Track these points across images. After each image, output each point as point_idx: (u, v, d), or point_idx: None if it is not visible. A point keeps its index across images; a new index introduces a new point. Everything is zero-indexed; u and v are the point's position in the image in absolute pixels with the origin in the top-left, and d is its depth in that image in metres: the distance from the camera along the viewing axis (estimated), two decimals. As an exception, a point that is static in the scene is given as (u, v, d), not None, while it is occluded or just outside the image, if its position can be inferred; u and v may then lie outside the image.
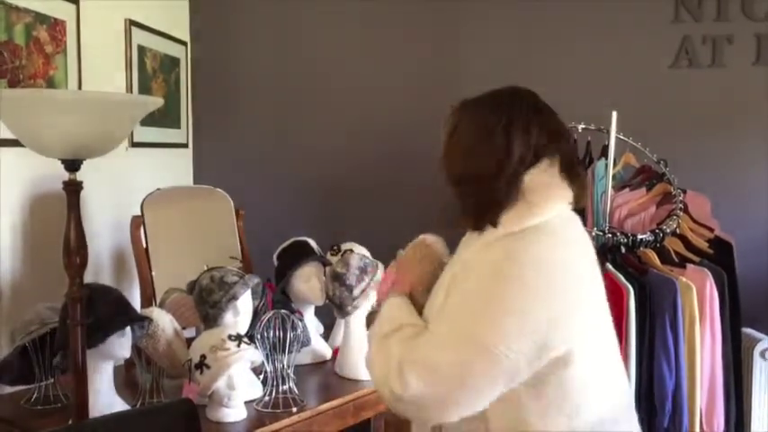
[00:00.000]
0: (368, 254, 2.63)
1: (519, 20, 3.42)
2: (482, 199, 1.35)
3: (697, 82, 3.34)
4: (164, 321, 2.06)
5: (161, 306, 2.50)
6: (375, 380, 1.34)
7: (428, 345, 1.27)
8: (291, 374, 2.12)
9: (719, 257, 2.65)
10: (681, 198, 2.80)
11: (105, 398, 1.94)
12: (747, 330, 2.84)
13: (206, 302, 2.16)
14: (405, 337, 1.32)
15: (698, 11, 3.32)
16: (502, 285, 1.25)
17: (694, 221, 2.82)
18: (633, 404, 1.51)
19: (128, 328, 1.93)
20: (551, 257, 1.29)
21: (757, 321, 2.84)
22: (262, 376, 2.19)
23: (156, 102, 1.51)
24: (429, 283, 1.45)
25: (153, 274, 2.56)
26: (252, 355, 2.00)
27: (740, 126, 3.31)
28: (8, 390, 2.20)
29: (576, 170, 1.42)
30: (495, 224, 1.33)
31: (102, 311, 1.82)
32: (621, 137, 2.87)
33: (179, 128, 3.46)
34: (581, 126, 3.09)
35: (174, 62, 3.38)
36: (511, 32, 3.43)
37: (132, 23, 2.96)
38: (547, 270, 1.27)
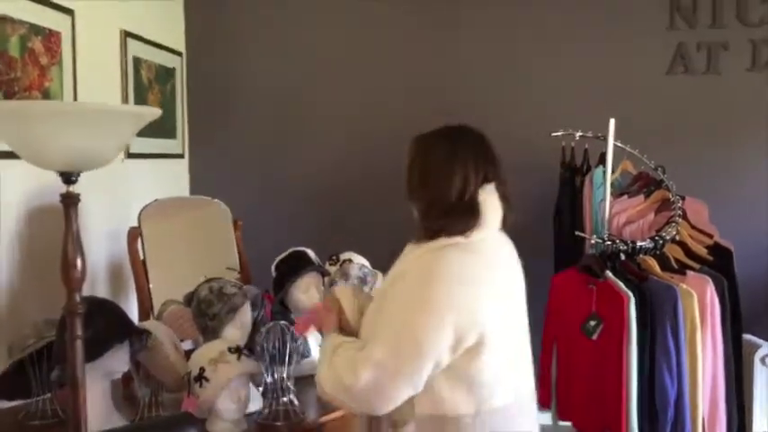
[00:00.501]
0: (367, 263, 2.62)
1: (515, 29, 3.43)
2: (440, 217, 1.58)
3: (693, 88, 3.35)
4: (162, 334, 2.04)
5: (158, 318, 2.48)
6: (328, 385, 1.56)
7: (373, 343, 1.52)
8: (291, 386, 2.10)
9: (719, 264, 2.65)
10: (679, 204, 2.80)
11: (103, 413, 1.92)
12: (747, 336, 2.83)
13: (205, 315, 2.14)
14: (348, 347, 1.57)
15: (693, 18, 3.34)
16: (429, 289, 1.50)
17: (693, 228, 2.81)
18: (535, 395, 1.73)
19: (126, 342, 1.90)
20: (470, 270, 1.54)
21: (756, 327, 2.84)
22: (261, 388, 2.16)
23: (153, 113, 1.50)
24: (353, 322, 1.68)
25: (151, 286, 2.54)
26: (252, 367, 1.98)
27: (736, 132, 3.33)
28: (5, 404, 2.17)
29: (508, 197, 1.68)
30: (437, 237, 1.57)
31: (99, 325, 1.80)
32: (619, 144, 2.87)
33: (175, 138, 3.44)
34: (578, 134, 3.09)
35: (170, 73, 3.36)
36: (508, 41, 3.44)
37: (127, 34, 2.95)
38: (462, 278, 1.52)
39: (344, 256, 2.68)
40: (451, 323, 1.48)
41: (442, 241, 1.56)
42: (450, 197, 1.59)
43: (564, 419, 2.65)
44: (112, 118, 1.39)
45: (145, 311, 2.53)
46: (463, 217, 1.57)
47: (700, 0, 3.32)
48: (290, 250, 2.69)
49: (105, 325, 1.83)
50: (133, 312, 2.55)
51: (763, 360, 2.91)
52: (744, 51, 3.31)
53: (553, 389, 2.67)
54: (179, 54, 3.47)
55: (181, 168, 3.54)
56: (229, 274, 2.76)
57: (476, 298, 1.52)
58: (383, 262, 2.79)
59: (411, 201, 1.68)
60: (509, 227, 1.69)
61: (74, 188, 1.55)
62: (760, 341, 2.92)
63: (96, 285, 2.70)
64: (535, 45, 3.42)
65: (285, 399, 2.11)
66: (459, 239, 1.55)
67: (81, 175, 1.54)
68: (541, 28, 3.41)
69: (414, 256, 1.59)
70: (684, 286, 2.43)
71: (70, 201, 1.52)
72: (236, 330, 2.15)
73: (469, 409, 1.54)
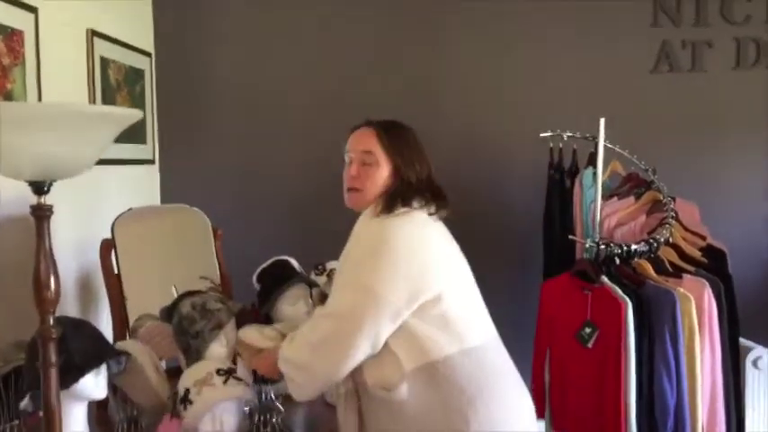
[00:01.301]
0: (354, 273, 2.49)
1: (498, 27, 3.34)
2: (408, 193, 1.78)
3: (678, 87, 3.30)
4: (142, 355, 1.89)
5: (133, 335, 2.33)
6: (291, 354, 1.76)
7: (331, 297, 1.74)
8: (280, 406, 1.97)
9: (713, 266, 2.60)
10: (672, 206, 2.74)
11: (79, 442, 1.77)
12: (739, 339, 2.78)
13: (187, 332, 1.99)
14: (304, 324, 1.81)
15: (677, 15, 3.29)
16: (382, 245, 1.68)
17: (686, 229, 2.76)
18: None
19: (103, 366, 1.75)
20: (418, 230, 1.73)
21: (748, 330, 2.78)
22: (247, 408, 2.02)
23: (134, 114, 1.36)
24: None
25: (126, 301, 2.38)
26: (240, 392, 1.83)
27: (723, 130, 3.29)
28: (-33, 434, 2.00)
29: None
30: (394, 209, 1.74)
31: (74, 348, 1.65)
32: (609, 145, 2.80)
33: (144, 143, 3.28)
34: (567, 134, 3.02)
35: (139, 74, 3.20)
36: (491, 40, 3.35)
37: (94, 34, 2.78)
38: (412, 237, 1.71)
39: (330, 265, 2.56)
40: (405, 275, 1.64)
41: (398, 211, 1.74)
42: (426, 178, 1.85)
43: (559, 430, 2.56)
44: (91, 121, 1.25)
45: (120, 328, 2.37)
46: (437, 197, 1.81)
47: (683, -3, 3.27)
48: (273, 259, 2.55)
49: (81, 349, 1.67)
50: (107, 330, 2.38)
51: (755, 363, 2.86)
52: (728, 49, 3.28)
53: (546, 398, 2.60)
54: (148, 55, 3.31)
55: (151, 175, 3.38)
56: (202, 283, 2.61)
57: (427, 251, 1.71)
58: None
59: (391, 176, 1.83)
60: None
61: (45, 199, 1.40)
62: (752, 344, 2.87)
63: (64, 301, 2.53)
64: (519, 44, 3.34)
65: (274, 419, 1.98)
66: (412, 212, 1.75)
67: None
68: (525, 27, 3.33)
69: (369, 223, 1.75)
70: (682, 290, 2.37)
71: (42, 213, 1.37)
72: (221, 348, 2.01)
73: (453, 348, 1.67)
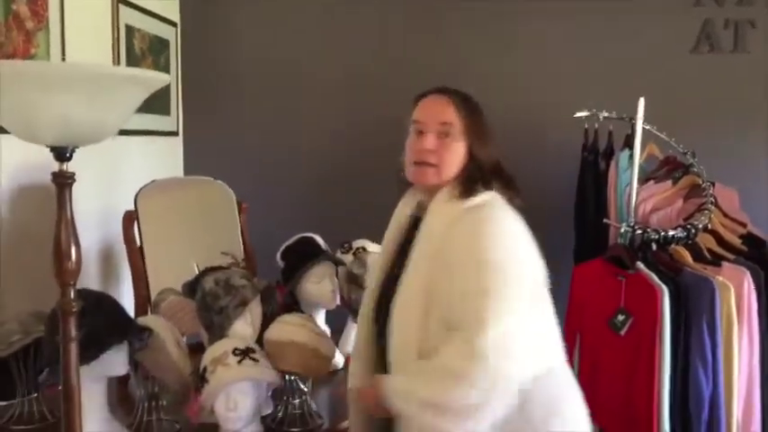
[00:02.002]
0: (381, 252, 2.42)
1: (535, 3, 3.22)
2: (486, 176, 1.62)
3: (719, 68, 3.18)
4: (164, 331, 1.83)
5: (155, 309, 2.28)
6: (436, 397, 1.43)
7: (479, 307, 1.43)
8: (305, 387, 1.91)
9: (753, 254, 2.50)
10: (710, 191, 2.64)
11: (98, 418, 1.72)
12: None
13: (211, 309, 1.93)
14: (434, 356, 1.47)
15: (720, -7, 3.16)
16: (510, 256, 1.51)
17: (725, 216, 2.66)
18: None
19: (125, 342, 1.70)
20: (522, 226, 1.58)
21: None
22: (270, 390, 1.96)
23: (162, 78, 1.29)
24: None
25: (148, 275, 2.33)
26: (256, 373, 1.76)
27: (765, 114, 3.16)
28: (-15, 406, 1.97)
29: None
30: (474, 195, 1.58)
31: (96, 324, 1.59)
32: (647, 126, 2.70)
33: (168, 114, 3.22)
34: (603, 114, 2.91)
35: (164, 44, 3.13)
36: (526, 17, 3.23)
37: (120, 1, 2.71)
38: (527, 239, 1.57)
39: (357, 243, 2.49)
40: (530, 288, 1.51)
41: (482, 197, 1.58)
42: (496, 163, 1.65)
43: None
44: (117, 83, 1.18)
45: (142, 303, 2.32)
46: (510, 184, 1.65)
47: (727, -25, 3.14)
48: (297, 236, 2.49)
49: (102, 323, 1.62)
50: (128, 304, 2.33)
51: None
52: (772, 29, 3.14)
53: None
54: (174, 24, 3.24)
55: (174, 147, 3.32)
56: (224, 259, 2.55)
57: (535, 251, 1.56)
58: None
59: (472, 154, 1.63)
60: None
61: (66, 166, 1.34)
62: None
63: (85, 274, 2.48)
64: (556, 21, 3.22)
65: (298, 401, 1.92)
66: (495, 197, 1.59)
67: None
68: (565, 3, 3.21)
69: (459, 213, 1.55)
70: (721, 278, 2.28)
71: (64, 181, 1.31)
72: (245, 326, 1.95)
73: (541, 367, 1.53)
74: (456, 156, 1.61)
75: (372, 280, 1.74)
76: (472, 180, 1.60)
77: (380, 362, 1.61)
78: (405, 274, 1.56)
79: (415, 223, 1.65)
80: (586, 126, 2.99)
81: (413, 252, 1.57)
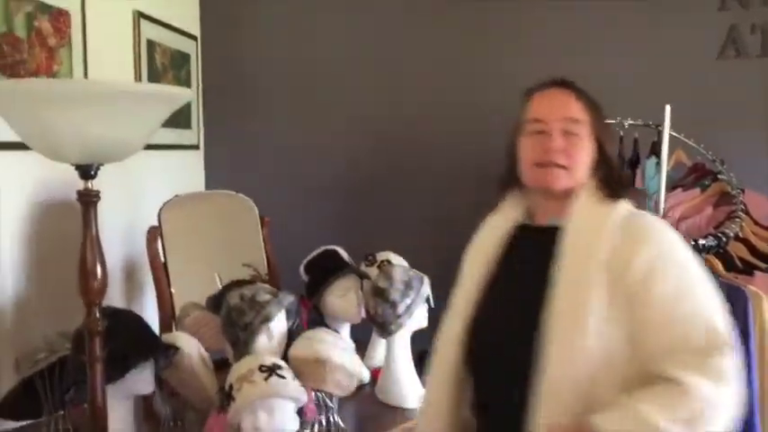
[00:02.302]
0: (406, 264, 2.40)
1: (557, 13, 3.19)
2: (620, 179, 1.52)
3: (745, 74, 3.12)
4: (190, 348, 1.81)
5: (179, 325, 2.26)
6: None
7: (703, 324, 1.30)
8: (333, 404, 1.88)
9: (786, 263, 2.45)
10: (740, 198, 2.59)
11: (125, 437, 1.71)
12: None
13: (236, 325, 1.91)
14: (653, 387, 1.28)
15: (746, -3, 3.10)
16: (688, 254, 1.37)
17: (756, 224, 2.60)
18: None
19: (151, 360, 1.68)
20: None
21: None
22: (297, 406, 1.93)
23: (186, 94, 1.28)
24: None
25: (172, 290, 2.32)
26: (282, 391, 1.72)
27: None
28: (12, 425, 1.95)
29: None
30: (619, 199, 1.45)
31: (121, 342, 1.57)
32: (674, 133, 2.65)
33: (189, 128, 3.21)
34: (628, 121, 2.87)
35: (185, 58, 3.13)
36: (550, 26, 3.19)
37: (141, 15, 2.71)
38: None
39: (381, 256, 2.46)
40: None
41: (627, 205, 1.45)
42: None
43: None
44: (141, 100, 1.17)
45: (166, 319, 2.30)
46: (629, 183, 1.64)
47: (752, -22, 3.08)
48: (321, 249, 2.47)
49: (128, 342, 1.60)
50: (152, 318, 2.32)
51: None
52: (802, 33, 3.08)
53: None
54: (194, 38, 3.24)
55: (196, 161, 3.31)
56: (246, 271, 2.54)
57: None
58: (419, 261, 2.60)
59: (602, 153, 1.49)
60: None
61: (92, 184, 1.33)
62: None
63: (110, 289, 2.48)
64: (581, 27, 3.18)
65: (324, 418, 1.89)
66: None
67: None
68: (588, 9, 3.17)
69: (619, 221, 1.40)
70: (753, 288, 2.23)
71: (89, 199, 1.30)
72: (269, 342, 1.92)
73: None
74: (587, 155, 1.46)
75: (461, 298, 1.53)
76: (612, 182, 1.47)
77: (461, 389, 1.48)
78: (558, 291, 1.34)
79: (519, 232, 1.52)
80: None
81: (561, 266, 1.37)
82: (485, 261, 1.52)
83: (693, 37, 3.12)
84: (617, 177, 1.49)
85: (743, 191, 2.66)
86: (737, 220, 2.48)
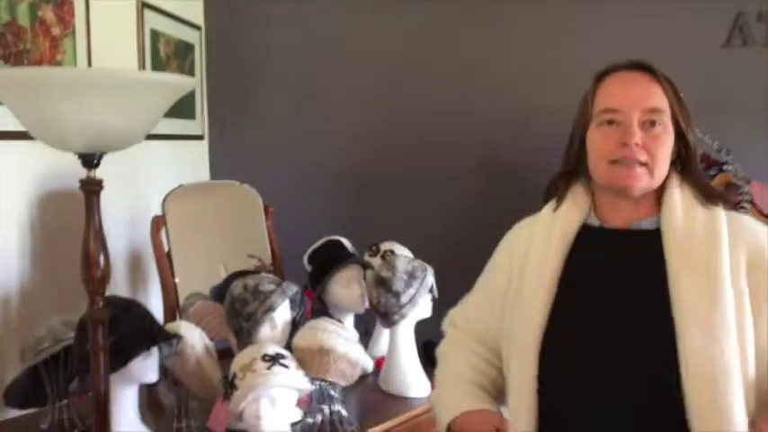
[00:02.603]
0: (410, 254, 2.39)
1: (561, 3, 3.17)
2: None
3: (753, 62, 3.09)
4: (194, 338, 1.81)
5: (183, 314, 2.27)
6: None
7: None
8: (337, 395, 1.88)
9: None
10: (746, 189, 2.58)
11: (129, 425, 1.71)
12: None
13: (240, 314, 1.91)
14: None
15: (754, -16, 3.08)
16: None
17: (762, 215, 2.59)
18: None
19: (154, 349, 1.68)
20: None
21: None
22: (300, 395, 1.94)
23: (189, 83, 1.28)
24: None
25: (177, 280, 2.32)
26: (285, 380, 1.72)
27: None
28: (16, 413, 1.96)
29: None
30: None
31: (124, 330, 1.58)
32: (679, 123, 2.63)
33: (194, 118, 3.21)
34: (633, 111, 2.85)
35: (189, 48, 3.13)
36: (552, 16, 3.18)
37: (145, 5, 2.71)
38: None
39: (385, 246, 2.46)
40: None
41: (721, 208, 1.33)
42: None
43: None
44: (144, 88, 1.16)
45: (170, 309, 2.31)
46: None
47: (760, -34, 3.06)
48: (324, 240, 2.47)
49: (131, 330, 1.60)
50: (156, 308, 2.32)
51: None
52: (809, 22, 3.05)
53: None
54: (198, 28, 3.23)
55: (200, 151, 3.31)
56: (251, 262, 2.54)
57: None
58: (423, 251, 2.60)
59: (688, 147, 1.35)
60: None
61: (94, 173, 1.33)
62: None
63: (114, 279, 2.48)
64: (583, 15, 3.16)
65: (327, 408, 1.89)
66: None
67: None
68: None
69: (725, 220, 1.30)
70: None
71: (92, 188, 1.30)
72: (272, 331, 1.93)
73: None
74: (669, 150, 1.31)
75: (532, 307, 1.34)
76: (703, 179, 1.36)
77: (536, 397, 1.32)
78: (686, 302, 1.22)
79: (586, 233, 1.38)
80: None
81: (678, 273, 1.24)
82: (553, 265, 1.35)
83: (699, 25, 3.09)
84: (701, 174, 1.36)
85: (749, 181, 2.65)
86: (743, 210, 2.46)
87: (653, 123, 1.30)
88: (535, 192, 3.19)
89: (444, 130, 3.16)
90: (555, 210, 1.43)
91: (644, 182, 1.30)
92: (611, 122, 1.33)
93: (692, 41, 3.10)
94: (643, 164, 1.29)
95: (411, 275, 2.12)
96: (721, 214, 1.30)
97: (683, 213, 1.30)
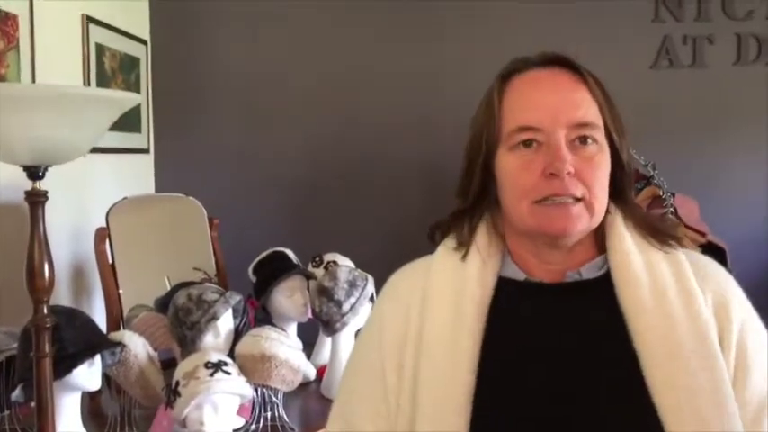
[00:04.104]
0: (352, 265, 2.47)
1: (495, 19, 3.30)
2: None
3: (678, 83, 3.27)
4: (137, 346, 1.85)
5: (127, 325, 2.29)
6: None
7: None
8: (278, 400, 1.94)
9: (713, 262, 2.57)
10: (671, 202, 2.72)
11: (72, 434, 1.74)
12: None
13: (183, 323, 1.95)
14: None
15: (678, 10, 3.26)
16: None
17: (685, 226, 2.74)
18: None
19: (97, 357, 1.72)
20: None
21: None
22: (242, 402, 1.99)
23: (133, 99, 1.33)
24: None
25: (120, 291, 2.34)
26: (228, 387, 1.76)
27: (723, 127, 3.26)
28: (-44, 425, 1.96)
29: None
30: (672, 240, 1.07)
31: (67, 338, 1.61)
32: (609, 139, 2.77)
33: (139, 132, 3.23)
34: (566, 129, 2.98)
35: (134, 62, 3.15)
36: (490, 33, 3.31)
37: (90, 20, 2.73)
38: None
39: (328, 257, 2.53)
40: None
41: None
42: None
43: None
44: (90, 103, 1.21)
45: (114, 319, 2.33)
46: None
47: (686, -9, 3.24)
48: (269, 251, 2.53)
49: (74, 339, 1.63)
50: (100, 320, 2.34)
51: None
52: (729, 45, 3.25)
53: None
54: (144, 42, 3.26)
55: (145, 164, 3.33)
56: (196, 274, 2.58)
57: None
58: (366, 261, 2.67)
59: (623, 167, 1.06)
60: None
61: (39, 185, 1.37)
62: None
63: (58, 290, 2.49)
64: (518, 36, 3.30)
65: (270, 413, 1.94)
66: None
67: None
68: (525, 18, 3.29)
69: (686, 262, 1.04)
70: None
71: (37, 199, 1.34)
72: (215, 340, 1.98)
73: None
74: (607, 177, 1.02)
75: (446, 401, 0.97)
76: (643, 212, 1.10)
77: None
78: (663, 369, 0.95)
79: (504, 287, 1.05)
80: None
81: (644, 337, 0.97)
82: (469, 332, 0.99)
83: (628, 47, 3.27)
84: (636, 204, 1.10)
85: (673, 195, 2.80)
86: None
87: (584, 140, 1.00)
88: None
89: (386, 142, 3.26)
90: (463, 258, 1.05)
91: (582, 223, 0.99)
92: (528, 144, 1.00)
93: (623, 63, 3.26)
94: (578, 199, 0.98)
95: (352, 285, 2.20)
96: (685, 262, 1.02)
97: (641, 259, 1.01)
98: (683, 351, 0.95)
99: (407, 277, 1.13)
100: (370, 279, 2.26)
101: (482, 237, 1.07)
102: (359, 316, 2.20)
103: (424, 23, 3.32)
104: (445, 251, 1.09)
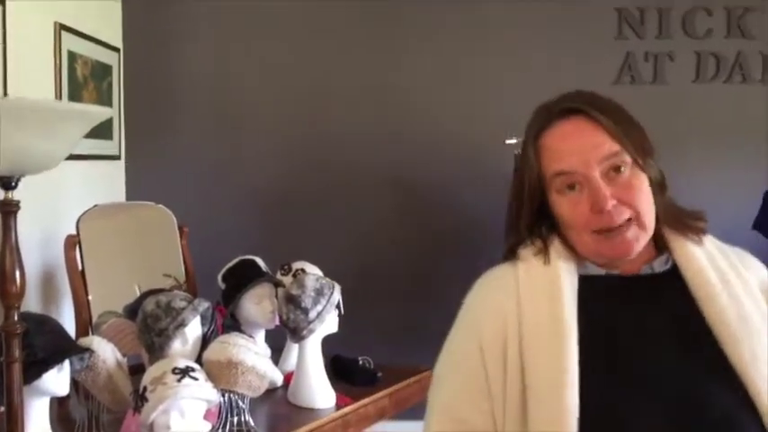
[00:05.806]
0: (320, 273, 2.51)
1: (462, 34, 3.38)
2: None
3: (640, 99, 3.34)
4: (105, 352, 1.88)
5: (96, 331, 2.32)
6: None
7: None
8: (244, 405, 1.97)
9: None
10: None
11: (40, 438, 1.76)
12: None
13: (151, 330, 1.99)
14: None
15: (641, 27, 3.37)
16: None
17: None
18: None
19: (66, 362, 1.75)
20: None
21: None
22: (209, 408, 2.02)
23: (106, 113, 1.37)
24: None
25: (90, 297, 2.37)
26: (195, 392, 1.80)
27: (682, 143, 3.35)
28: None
29: None
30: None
31: (37, 344, 1.64)
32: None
33: (111, 139, 3.25)
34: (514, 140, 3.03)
35: (107, 70, 3.18)
36: (454, 47, 3.39)
37: (62, 27, 2.76)
38: None
39: (297, 265, 2.58)
40: None
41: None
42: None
43: None
44: (62, 117, 1.26)
45: (83, 325, 2.35)
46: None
47: (647, 10, 3.34)
48: (238, 259, 2.56)
49: (44, 344, 1.67)
50: (69, 326, 2.36)
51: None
52: (689, 63, 3.36)
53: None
54: (116, 50, 3.28)
55: (116, 171, 3.35)
56: (166, 281, 2.61)
57: None
58: (334, 269, 2.72)
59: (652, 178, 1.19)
60: None
61: (12, 194, 1.41)
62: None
63: (27, 296, 2.50)
64: (486, 51, 3.39)
65: (237, 418, 1.98)
66: None
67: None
68: (492, 33, 3.38)
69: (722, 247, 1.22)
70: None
71: (9, 209, 1.38)
72: (183, 346, 2.01)
73: None
74: (648, 192, 1.17)
75: (555, 385, 1.04)
76: (677, 210, 1.24)
77: None
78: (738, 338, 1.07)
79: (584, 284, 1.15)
80: (516, 152, 3.13)
81: (717, 311, 1.10)
82: (564, 329, 1.08)
83: (592, 63, 3.36)
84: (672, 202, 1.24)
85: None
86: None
87: (617, 169, 1.13)
88: (441, 212, 3.37)
89: (355, 153, 3.33)
90: (546, 262, 1.16)
91: (641, 241, 1.13)
92: (572, 187, 1.14)
93: (586, 79, 3.32)
94: (629, 219, 1.12)
95: (319, 293, 2.25)
96: (727, 249, 1.21)
97: (701, 251, 1.18)
98: (756, 326, 1.08)
99: (497, 278, 1.22)
100: (337, 287, 2.31)
101: (556, 245, 1.19)
102: (325, 323, 2.25)
103: (394, 36, 3.39)
104: (527, 256, 1.19)
